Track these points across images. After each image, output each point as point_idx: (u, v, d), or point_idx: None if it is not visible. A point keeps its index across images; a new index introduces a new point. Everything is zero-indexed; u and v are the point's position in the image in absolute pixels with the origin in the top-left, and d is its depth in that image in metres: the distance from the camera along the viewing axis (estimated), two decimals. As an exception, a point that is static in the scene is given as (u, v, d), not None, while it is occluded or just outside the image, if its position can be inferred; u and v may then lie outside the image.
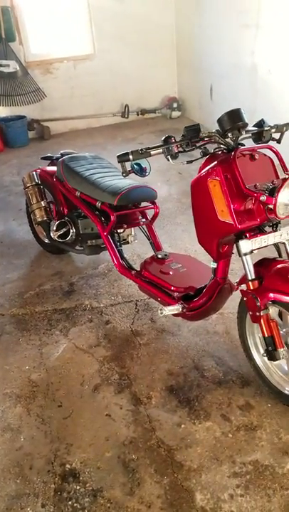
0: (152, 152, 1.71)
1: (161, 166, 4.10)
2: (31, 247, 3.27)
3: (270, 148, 1.81)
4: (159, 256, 2.30)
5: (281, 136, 1.96)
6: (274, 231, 1.74)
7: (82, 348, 2.29)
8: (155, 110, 6.23)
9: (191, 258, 2.42)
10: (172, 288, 2.07)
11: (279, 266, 1.68)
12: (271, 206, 1.59)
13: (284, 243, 1.77)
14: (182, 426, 1.83)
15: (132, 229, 2.58)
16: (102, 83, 5.90)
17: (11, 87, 5.50)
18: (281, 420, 1.82)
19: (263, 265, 1.73)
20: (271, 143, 1.85)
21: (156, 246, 2.51)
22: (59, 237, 2.69)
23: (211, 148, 1.80)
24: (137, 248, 2.99)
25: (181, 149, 1.73)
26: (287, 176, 1.56)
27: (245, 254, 1.69)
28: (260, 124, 1.88)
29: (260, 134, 1.86)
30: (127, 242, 2.62)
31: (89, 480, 1.66)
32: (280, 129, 1.90)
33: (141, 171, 1.86)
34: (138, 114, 6.15)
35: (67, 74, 5.79)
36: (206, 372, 2.08)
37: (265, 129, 1.85)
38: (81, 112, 6.00)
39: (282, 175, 1.76)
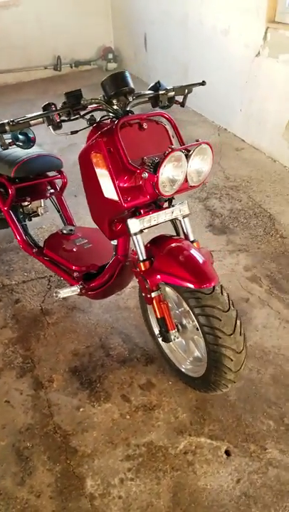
0: (32, 122, 1.53)
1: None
2: None
3: (162, 114, 1.66)
4: (64, 231, 2.16)
5: (184, 98, 1.82)
6: (168, 207, 1.63)
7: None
8: (90, 62, 5.83)
9: (99, 232, 2.30)
10: (73, 267, 1.96)
11: (171, 245, 1.59)
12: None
13: (180, 220, 1.68)
14: (81, 409, 1.79)
15: (42, 200, 2.40)
16: (31, 33, 5.42)
17: None
18: (180, 398, 1.81)
19: (156, 244, 1.63)
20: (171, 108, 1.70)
21: (66, 218, 2.37)
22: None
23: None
24: (57, 219, 2.83)
25: (64, 118, 1.56)
26: (169, 150, 1.42)
27: (135, 234, 1.58)
28: (156, 87, 1.72)
29: (157, 98, 1.71)
30: (38, 215, 2.45)
31: (-21, 472, 1.61)
32: (178, 91, 1.76)
33: (28, 142, 1.67)
34: (72, 67, 5.74)
35: (-10, 21, 5.25)
36: (111, 351, 2.03)
37: (160, 92, 1.69)
38: (9, 65, 5.52)
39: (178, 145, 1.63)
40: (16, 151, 2.15)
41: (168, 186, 1.47)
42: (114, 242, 1.79)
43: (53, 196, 2.38)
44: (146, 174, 1.44)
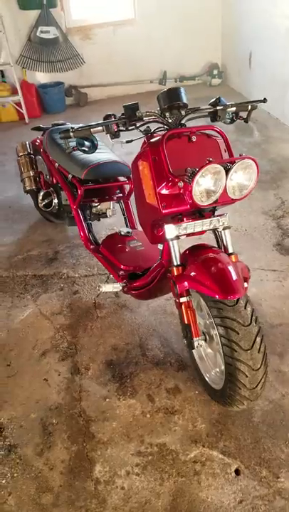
0: (92, 130, 1.70)
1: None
2: (33, 214, 3.40)
3: (213, 128, 1.70)
4: (122, 233, 2.30)
5: (248, 115, 1.84)
6: (208, 217, 1.67)
7: (45, 314, 2.40)
8: (195, 77, 5.97)
9: None
10: (121, 266, 2.08)
11: (205, 254, 1.62)
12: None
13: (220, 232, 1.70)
14: (107, 400, 1.89)
15: (111, 203, 2.59)
16: (142, 49, 5.74)
17: (50, 53, 5.55)
18: (203, 409, 1.80)
19: (192, 252, 1.67)
20: (219, 124, 1.75)
21: (130, 222, 2.51)
22: (44, 206, 2.77)
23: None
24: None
25: (121, 128, 1.70)
26: (206, 162, 1.46)
27: (171, 240, 1.64)
28: (216, 102, 1.77)
29: (215, 113, 1.76)
30: (106, 216, 2.63)
31: (9, 436, 1.80)
32: (239, 107, 1.79)
33: (93, 148, 1.84)
34: (176, 81, 5.93)
35: (106, 39, 5.69)
36: (148, 352, 2.10)
37: (218, 108, 1.74)
38: (119, 79, 5.92)
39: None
40: (90, 156, 2.36)
41: (205, 197, 1.51)
42: (160, 247, 1.87)
43: (121, 200, 2.54)
44: (182, 183, 1.50)
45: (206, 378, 1.78)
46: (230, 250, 1.69)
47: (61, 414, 1.86)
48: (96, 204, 2.52)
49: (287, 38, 4.13)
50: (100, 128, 1.69)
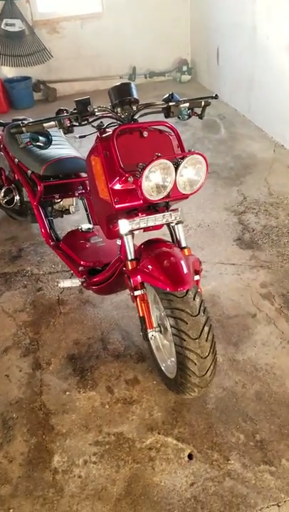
0: (45, 124, 1.71)
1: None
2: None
3: (164, 124, 1.75)
4: (83, 229, 2.33)
5: (202, 111, 1.90)
6: (161, 212, 1.72)
7: (7, 312, 2.42)
8: (164, 73, 6.01)
9: None
10: (81, 262, 2.12)
11: (158, 249, 1.67)
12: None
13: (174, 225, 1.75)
14: (67, 393, 1.93)
15: (73, 199, 2.61)
16: (111, 44, 5.74)
17: (16, 47, 5.48)
18: (160, 398, 1.87)
19: (146, 246, 1.72)
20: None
21: (92, 218, 2.54)
22: (5, 203, 2.78)
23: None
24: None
25: (74, 123, 1.72)
26: (155, 157, 1.51)
27: (125, 235, 1.69)
28: (168, 98, 1.81)
29: (169, 109, 1.81)
30: (69, 212, 2.66)
31: None
32: (193, 103, 1.84)
33: (48, 143, 1.85)
34: (146, 77, 5.97)
35: (74, 34, 5.66)
36: (109, 345, 2.15)
37: (170, 104, 1.79)
38: (88, 74, 5.91)
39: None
40: (50, 151, 2.37)
41: (155, 192, 1.56)
42: (119, 242, 1.91)
43: (84, 196, 2.57)
44: (132, 179, 1.55)
45: (162, 368, 1.84)
46: (183, 244, 1.76)
47: (21, 408, 1.89)
48: (58, 200, 2.54)
49: (253, 36, 4.21)
50: (53, 123, 1.71)
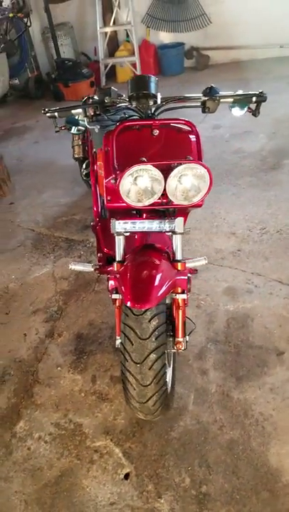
0: (73, 111, 1.71)
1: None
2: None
3: (182, 122, 1.55)
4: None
5: (257, 107, 1.63)
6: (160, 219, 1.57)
7: (54, 277, 2.60)
8: None
9: None
10: (104, 249, 2.10)
11: (141, 258, 1.53)
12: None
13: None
14: (59, 368, 2.03)
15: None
16: (277, 10, 5.16)
17: (176, 12, 5.42)
18: (131, 405, 1.80)
19: (135, 251, 1.61)
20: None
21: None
22: (85, 175, 2.89)
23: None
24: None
25: (98, 112, 1.67)
26: (141, 161, 1.36)
27: (118, 234, 1.61)
28: (206, 92, 1.60)
29: (204, 104, 1.60)
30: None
31: (-24, 373, 2.09)
32: (238, 100, 1.59)
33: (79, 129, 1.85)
34: (309, 49, 5.23)
35: (237, -3, 5.27)
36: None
37: (203, 98, 1.57)
38: (246, 42, 5.49)
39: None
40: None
41: (134, 196, 1.44)
42: None
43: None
44: (115, 180, 1.44)
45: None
46: (178, 257, 1.59)
47: (20, 368, 2.07)
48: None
49: None
50: (80, 110, 1.68)
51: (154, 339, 1.40)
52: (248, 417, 1.70)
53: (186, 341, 1.71)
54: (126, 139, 1.54)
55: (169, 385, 1.75)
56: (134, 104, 1.58)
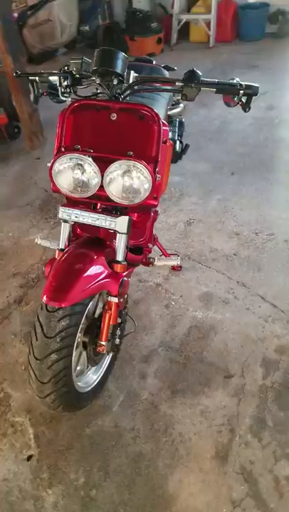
0: (50, 78, 1.60)
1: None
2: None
3: (143, 108, 1.39)
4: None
5: (248, 99, 1.40)
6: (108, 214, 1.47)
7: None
8: None
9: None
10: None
11: (74, 251, 1.45)
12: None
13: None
14: (12, 336, 2.07)
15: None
16: None
17: None
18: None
19: (75, 242, 1.53)
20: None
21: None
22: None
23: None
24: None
25: (68, 83, 1.55)
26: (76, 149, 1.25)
27: (64, 221, 1.53)
28: (185, 76, 1.39)
29: (181, 91, 1.42)
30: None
31: None
32: (221, 90, 1.37)
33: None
34: None
35: None
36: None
37: (179, 84, 1.37)
38: None
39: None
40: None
41: (68, 186, 1.36)
42: None
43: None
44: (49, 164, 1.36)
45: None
46: (118, 258, 1.50)
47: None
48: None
49: None
50: (56, 77, 1.56)
51: (58, 339, 1.35)
52: (167, 434, 1.63)
53: (118, 344, 1.65)
54: (82, 118, 1.43)
55: (96, 383, 1.71)
56: (97, 80, 1.44)
